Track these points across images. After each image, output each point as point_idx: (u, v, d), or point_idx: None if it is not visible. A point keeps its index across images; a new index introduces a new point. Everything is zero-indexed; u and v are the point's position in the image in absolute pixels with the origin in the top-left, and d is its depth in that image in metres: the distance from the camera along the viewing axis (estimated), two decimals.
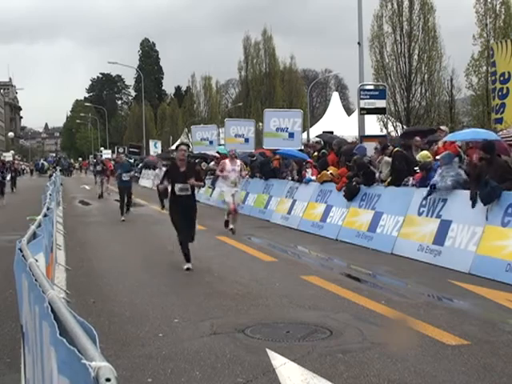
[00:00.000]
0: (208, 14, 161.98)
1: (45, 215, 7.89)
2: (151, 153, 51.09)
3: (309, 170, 16.06)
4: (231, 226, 13.87)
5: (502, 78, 13.97)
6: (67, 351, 1.88)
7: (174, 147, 52.08)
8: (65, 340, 1.95)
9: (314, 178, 15.67)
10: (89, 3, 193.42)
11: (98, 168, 29.79)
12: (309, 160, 16.70)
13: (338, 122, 35.79)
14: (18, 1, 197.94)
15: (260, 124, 29.89)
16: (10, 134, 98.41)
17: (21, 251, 4.23)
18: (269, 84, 51.14)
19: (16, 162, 57.88)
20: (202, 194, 25.28)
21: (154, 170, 36.79)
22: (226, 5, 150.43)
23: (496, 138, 10.49)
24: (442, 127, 14.16)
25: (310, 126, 37.23)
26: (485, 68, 26.02)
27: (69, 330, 2.06)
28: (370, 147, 14.18)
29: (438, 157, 10.93)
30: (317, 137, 23.05)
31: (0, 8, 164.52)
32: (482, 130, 12.71)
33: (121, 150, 54.25)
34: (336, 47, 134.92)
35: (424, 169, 11.35)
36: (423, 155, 11.60)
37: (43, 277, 3.09)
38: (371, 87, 19.07)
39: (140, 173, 41.96)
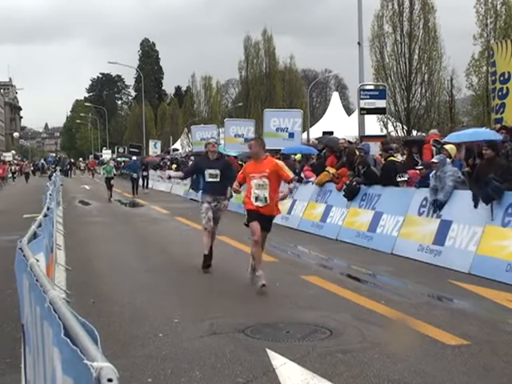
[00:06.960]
0: (211, 15, 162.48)
1: (45, 215, 7.89)
2: (151, 153, 51.02)
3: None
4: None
5: (501, 78, 13.97)
6: (71, 351, 1.88)
7: (173, 147, 52.35)
8: (69, 340, 1.95)
9: (312, 179, 15.70)
10: (90, 5, 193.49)
11: (214, 177, 9.56)
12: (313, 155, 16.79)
13: (337, 122, 35.76)
14: (18, 1, 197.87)
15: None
16: (16, 134, 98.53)
17: (21, 251, 4.23)
18: (269, 84, 51.16)
19: (7, 165, 49.58)
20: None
21: (155, 170, 36.83)
22: (229, 5, 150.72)
23: (499, 138, 10.45)
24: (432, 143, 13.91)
25: (310, 126, 37.19)
26: (485, 68, 26.01)
27: (70, 330, 2.05)
28: (373, 147, 14.19)
29: (434, 159, 10.89)
30: (316, 139, 23.10)
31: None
32: (484, 130, 12.60)
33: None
34: (336, 47, 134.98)
35: (427, 167, 11.29)
36: (451, 148, 11.51)
37: (44, 277, 3.08)
38: (371, 87, 19.11)
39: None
